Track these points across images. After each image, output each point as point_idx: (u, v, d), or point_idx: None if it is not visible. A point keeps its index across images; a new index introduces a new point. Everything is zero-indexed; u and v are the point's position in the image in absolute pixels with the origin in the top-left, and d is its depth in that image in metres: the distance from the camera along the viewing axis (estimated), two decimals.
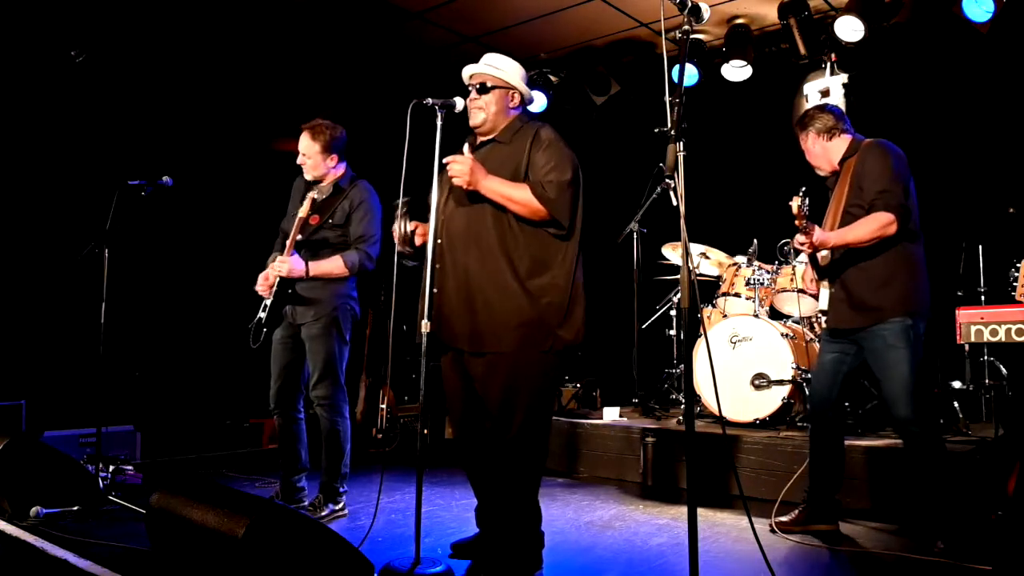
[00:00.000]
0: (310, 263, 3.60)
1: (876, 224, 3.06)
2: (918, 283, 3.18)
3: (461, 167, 2.76)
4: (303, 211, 3.61)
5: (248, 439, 5.70)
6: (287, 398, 3.74)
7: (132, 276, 5.11)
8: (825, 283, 3.35)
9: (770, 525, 3.41)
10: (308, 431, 3.82)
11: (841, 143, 3.34)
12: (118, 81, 5.44)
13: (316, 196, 3.68)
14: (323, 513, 3.60)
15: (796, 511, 3.43)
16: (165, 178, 4.06)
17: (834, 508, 3.41)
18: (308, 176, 3.75)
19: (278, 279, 3.60)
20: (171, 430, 5.45)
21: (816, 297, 3.52)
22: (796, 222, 3.13)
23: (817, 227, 3.18)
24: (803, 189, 3.15)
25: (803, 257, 3.58)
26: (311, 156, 3.71)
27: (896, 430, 3.22)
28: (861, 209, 3.15)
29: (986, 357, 4.79)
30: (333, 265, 3.63)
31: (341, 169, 3.77)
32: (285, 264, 3.55)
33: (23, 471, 3.49)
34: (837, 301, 3.29)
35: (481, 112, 2.92)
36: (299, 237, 3.62)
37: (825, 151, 3.36)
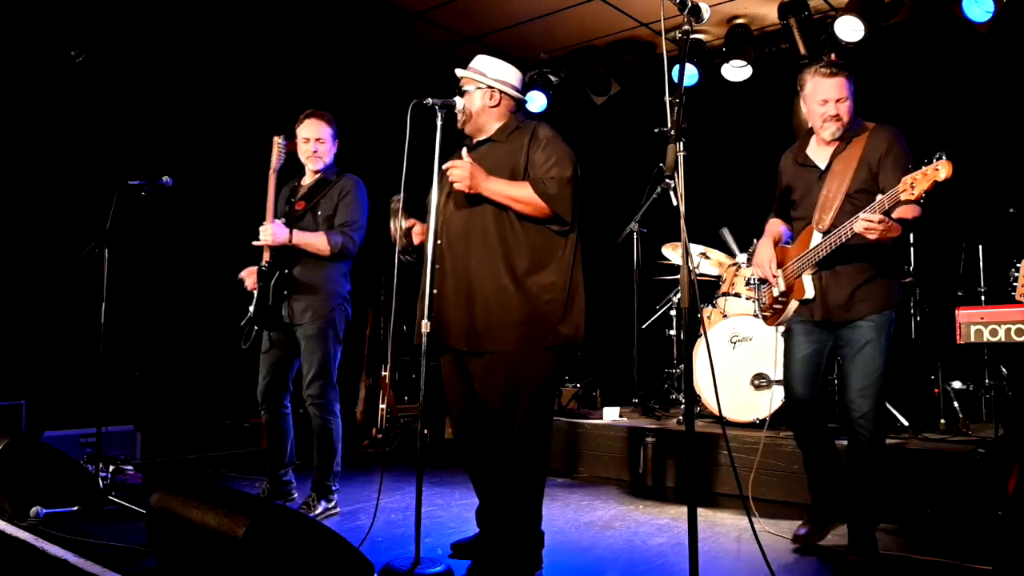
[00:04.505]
0: (294, 231, 3.61)
1: (919, 211, 2.87)
2: (898, 280, 3.11)
3: (461, 172, 2.76)
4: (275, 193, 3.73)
5: (248, 439, 5.69)
6: (274, 394, 3.79)
7: (132, 276, 5.11)
8: (809, 272, 3.10)
9: (793, 537, 3.27)
10: (300, 430, 3.84)
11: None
12: (118, 81, 5.44)
13: (303, 183, 3.76)
14: (317, 511, 3.62)
15: (811, 524, 3.27)
16: (165, 178, 4.06)
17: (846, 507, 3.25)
18: (316, 165, 3.77)
19: (261, 279, 3.63)
20: (171, 430, 5.45)
21: (763, 315, 3.33)
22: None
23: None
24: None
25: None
26: (325, 140, 3.76)
27: (845, 425, 3.04)
28: (870, 196, 2.88)
29: (986, 357, 4.79)
30: (317, 239, 3.63)
31: (332, 160, 3.83)
32: (268, 230, 3.56)
33: (23, 471, 3.49)
34: (831, 291, 3.07)
35: (460, 115, 2.95)
36: (282, 220, 3.65)
37: (850, 111, 3.11)
